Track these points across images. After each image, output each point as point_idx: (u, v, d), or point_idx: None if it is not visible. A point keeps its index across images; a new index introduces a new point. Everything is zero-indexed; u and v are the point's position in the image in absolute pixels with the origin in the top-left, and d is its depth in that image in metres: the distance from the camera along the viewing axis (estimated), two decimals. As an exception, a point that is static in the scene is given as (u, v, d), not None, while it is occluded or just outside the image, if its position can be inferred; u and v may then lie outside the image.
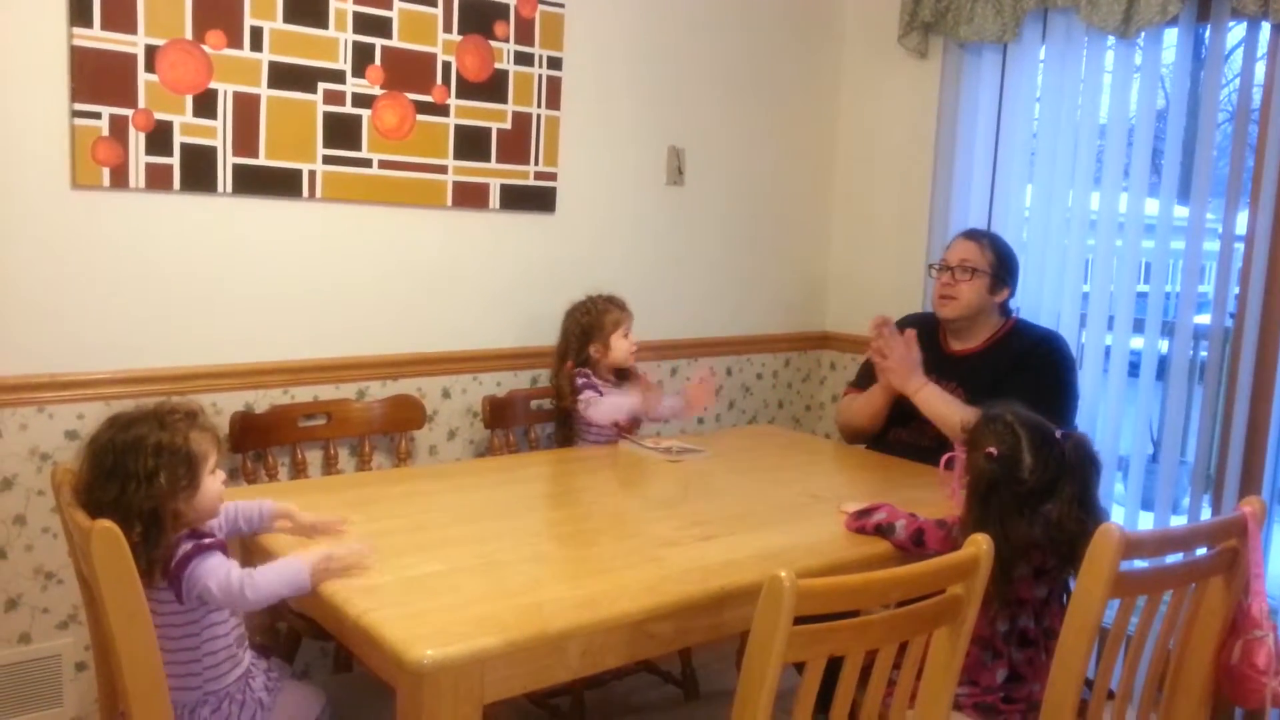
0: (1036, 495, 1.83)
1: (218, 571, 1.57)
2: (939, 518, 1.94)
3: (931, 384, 2.53)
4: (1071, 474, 1.84)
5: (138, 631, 1.45)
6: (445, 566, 1.72)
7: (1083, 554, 1.78)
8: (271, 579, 1.58)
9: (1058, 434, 1.88)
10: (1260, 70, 2.71)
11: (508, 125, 2.85)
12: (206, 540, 1.61)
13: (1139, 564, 1.75)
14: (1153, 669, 1.79)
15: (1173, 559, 1.81)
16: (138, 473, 1.55)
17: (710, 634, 1.71)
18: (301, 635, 2.36)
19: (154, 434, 1.58)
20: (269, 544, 1.80)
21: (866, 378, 2.82)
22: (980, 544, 1.54)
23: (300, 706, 1.75)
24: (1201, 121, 2.80)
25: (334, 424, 2.63)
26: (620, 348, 2.76)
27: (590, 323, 2.77)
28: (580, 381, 2.71)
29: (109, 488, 1.56)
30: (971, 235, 2.69)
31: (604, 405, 2.66)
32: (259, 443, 2.51)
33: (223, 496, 1.70)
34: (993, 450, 1.84)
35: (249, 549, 1.88)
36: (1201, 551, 1.79)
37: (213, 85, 2.38)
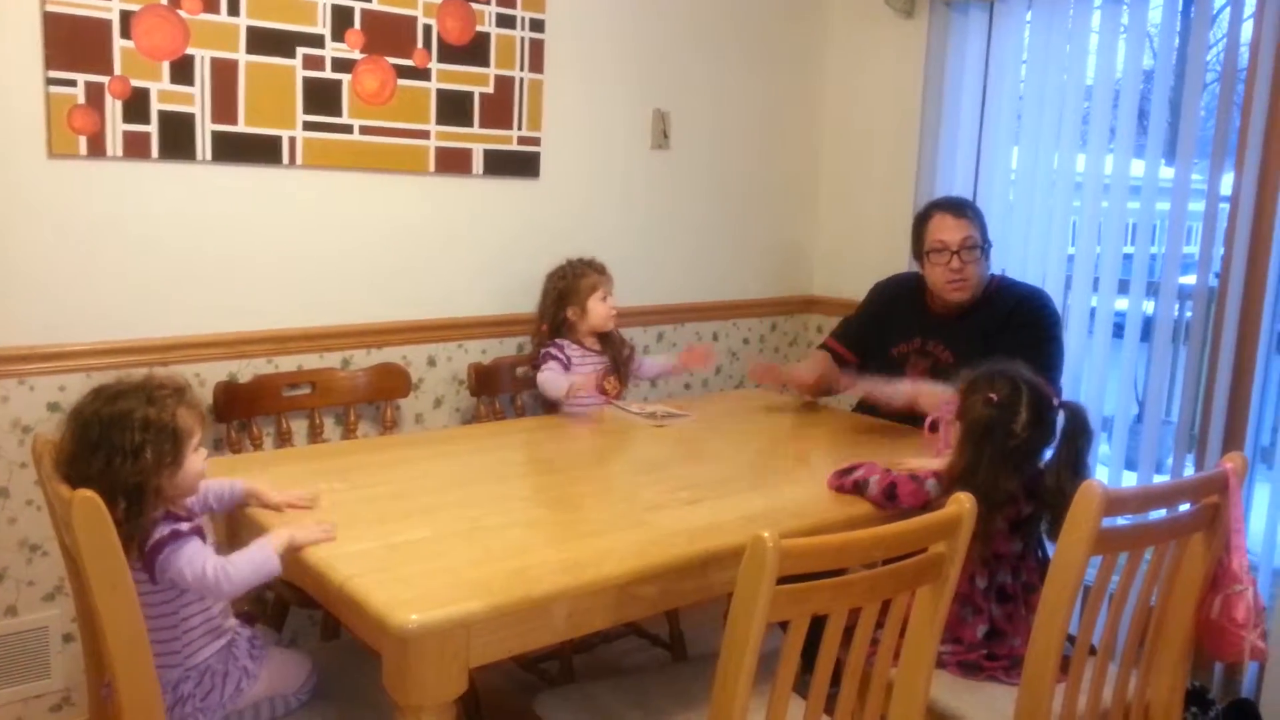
0: (1023, 455, 1.85)
1: (194, 562, 1.56)
2: (912, 472, 1.95)
3: (921, 384, 2.47)
4: (1066, 440, 1.87)
5: (121, 601, 1.45)
6: (430, 532, 1.72)
7: None
8: (245, 569, 1.58)
9: (1056, 402, 1.89)
10: (1247, 30, 2.69)
11: (490, 89, 2.82)
12: (183, 526, 1.59)
13: (1121, 521, 1.76)
14: (1134, 625, 1.80)
15: (1155, 516, 1.82)
16: (124, 447, 1.54)
17: (696, 596, 1.72)
18: (289, 603, 2.37)
19: (141, 408, 1.57)
20: (254, 517, 1.79)
21: (845, 335, 2.83)
22: (963, 503, 1.55)
23: (286, 672, 1.75)
24: (1188, 82, 2.79)
25: (319, 393, 2.62)
26: (598, 311, 2.75)
27: (566, 287, 2.76)
28: (544, 352, 2.71)
29: (94, 461, 1.54)
30: (958, 211, 2.58)
31: (545, 379, 2.66)
32: (243, 412, 2.50)
33: (203, 474, 1.69)
34: (993, 395, 1.86)
35: (232, 524, 1.88)
36: (1183, 508, 1.80)
37: (190, 51, 2.35)
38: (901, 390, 2.44)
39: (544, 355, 2.71)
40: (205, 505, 1.79)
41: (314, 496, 1.84)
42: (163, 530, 1.57)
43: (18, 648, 2.34)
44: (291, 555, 1.61)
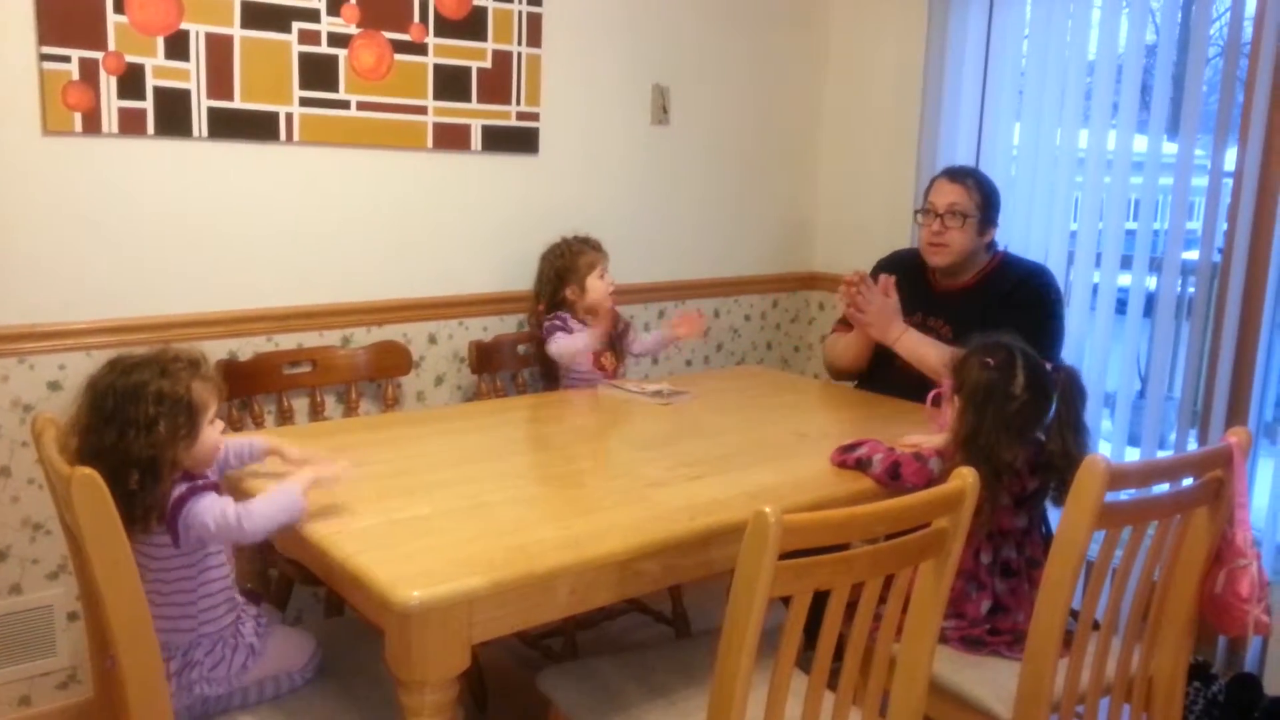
0: (1024, 420, 1.85)
1: (213, 509, 1.57)
2: (915, 451, 1.95)
3: (910, 329, 2.52)
4: (1063, 401, 1.88)
5: (122, 576, 1.44)
6: (432, 509, 1.72)
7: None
8: (266, 508, 1.58)
9: (1049, 367, 1.90)
10: (1251, 4, 2.66)
11: (488, 64, 2.80)
12: (200, 481, 1.61)
13: (1124, 496, 1.75)
14: (1137, 599, 1.80)
15: (1158, 490, 1.81)
16: (138, 420, 1.54)
17: (698, 572, 1.72)
18: (293, 581, 2.37)
19: (155, 381, 1.57)
20: (250, 485, 1.79)
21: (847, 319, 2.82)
22: (965, 477, 1.54)
23: (290, 650, 1.75)
24: (1191, 56, 2.77)
25: (319, 371, 2.62)
26: (596, 289, 2.74)
27: (564, 265, 2.75)
28: (548, 324, 2.70)
29: (107, 433, 1.54)
30: (956, 176, 2.61)
31: (560, 341, 2.65)
32: (244, 390, 2.49)
33: (220, 446, 1.69)
34: (990, 360, 1.87)
35: (232, 490, 1.87)
36: (1187, 482, 1.80)
37: (184, 26, 2.33)
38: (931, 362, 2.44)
39: (549, 328, 2.70)
40: (225, 464, 1.79)
41: (334, 460, 1.84)
42: (181, 488, 1.58)
43: (23, 626, 2.35)
44: (318, 491, 1.63)
